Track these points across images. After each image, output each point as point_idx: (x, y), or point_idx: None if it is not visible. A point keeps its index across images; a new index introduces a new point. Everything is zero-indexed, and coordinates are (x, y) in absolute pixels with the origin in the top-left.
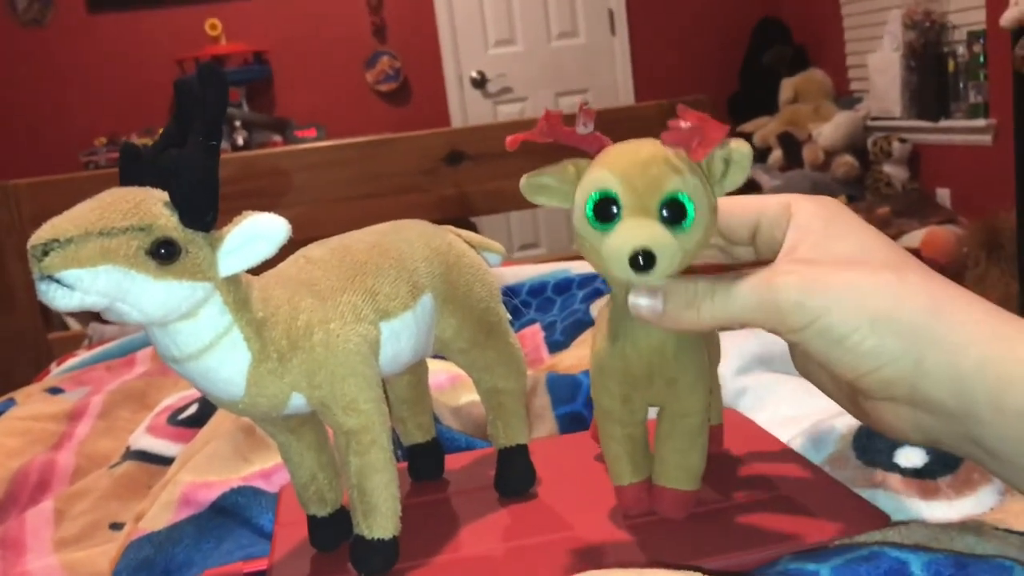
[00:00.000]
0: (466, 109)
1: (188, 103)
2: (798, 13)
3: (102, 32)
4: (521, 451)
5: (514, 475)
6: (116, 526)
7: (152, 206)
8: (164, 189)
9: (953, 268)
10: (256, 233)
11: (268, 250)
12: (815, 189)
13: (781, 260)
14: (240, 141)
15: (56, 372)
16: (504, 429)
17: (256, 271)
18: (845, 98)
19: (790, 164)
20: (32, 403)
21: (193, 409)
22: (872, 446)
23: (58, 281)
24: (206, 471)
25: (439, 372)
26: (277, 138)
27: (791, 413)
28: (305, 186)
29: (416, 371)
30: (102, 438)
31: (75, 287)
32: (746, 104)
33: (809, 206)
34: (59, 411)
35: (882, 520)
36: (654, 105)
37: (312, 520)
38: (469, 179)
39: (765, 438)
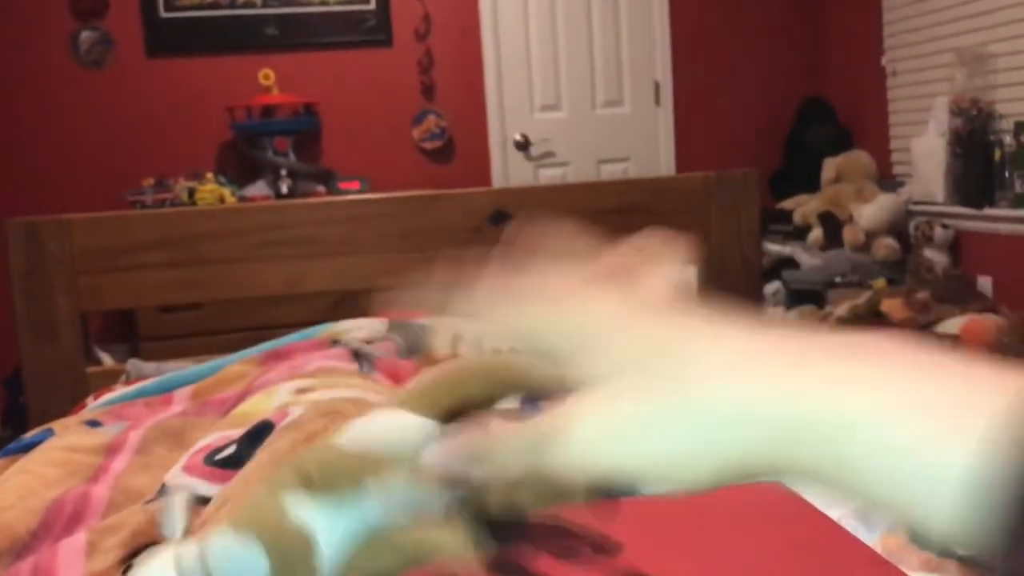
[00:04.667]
0: (508, 171)
1: None
2: (844, 94)
3: (158, 76)
4: None
5: None
6: None
7: None
8: None
9: (992, 359)
10: None
11: None
12: (855, 270)
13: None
14: (284, 189)
15: (94, 406)
16: None
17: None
18: (888, 181)
19: (830, 243)
20: (70, 434)
21: (231, 450)
22: None
23: None
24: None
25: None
26: (321, 188)
27: None
28: (348, 238)
29: None
30: (138, 474)
31: None
32: (788, 181)
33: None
34: (97, 444)
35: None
36: (701, 176)
37: None
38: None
39: (815, 516)
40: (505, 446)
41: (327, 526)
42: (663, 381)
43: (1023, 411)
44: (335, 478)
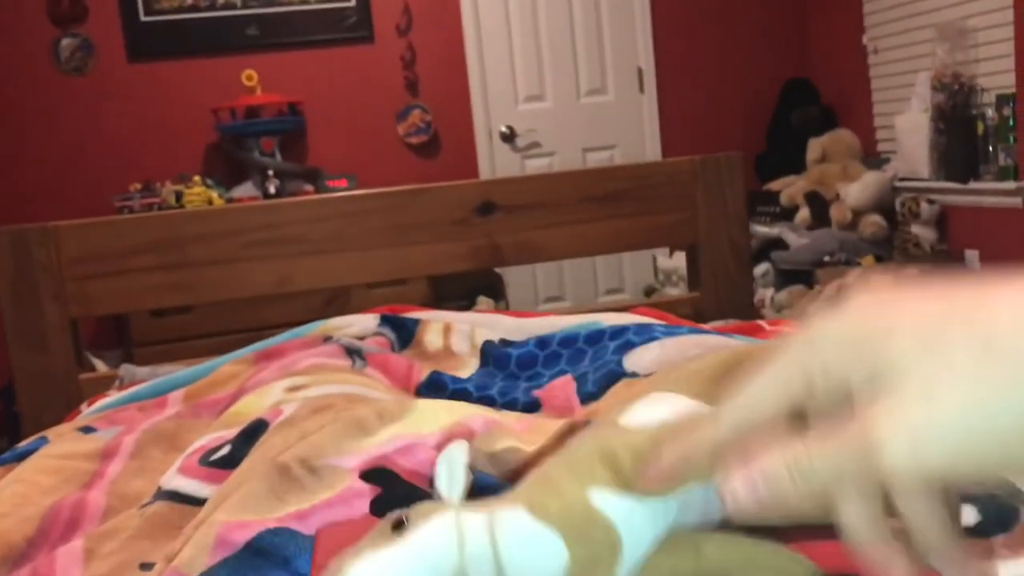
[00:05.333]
0: (494, 163)
1: None
2: (826, 74)
3: (141, 81)
4: None
5: None
6: (146, 566)
7: None
8: None
9: None
10: None
11: None
12: (843, 248)
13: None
14: (272, 189)
15: (88, 412)
16: None
17: None
18: (873, 159)
19: (817, 223)
20: (64, 441)
21: (226, 450)
22: None
23: None
24: (241, 510)
25: (474, 416)
26: (309, 187)
27: None
28: (336, 235)
29: None
30: (134, 478)
31: None
32: (773, 163)
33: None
34: (91, 450)
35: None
36: (686, 161)
37: None
38: (500, 230)
39: None
40: (816, 467)
41: (634, 525)
42: (977, 351)
43: None
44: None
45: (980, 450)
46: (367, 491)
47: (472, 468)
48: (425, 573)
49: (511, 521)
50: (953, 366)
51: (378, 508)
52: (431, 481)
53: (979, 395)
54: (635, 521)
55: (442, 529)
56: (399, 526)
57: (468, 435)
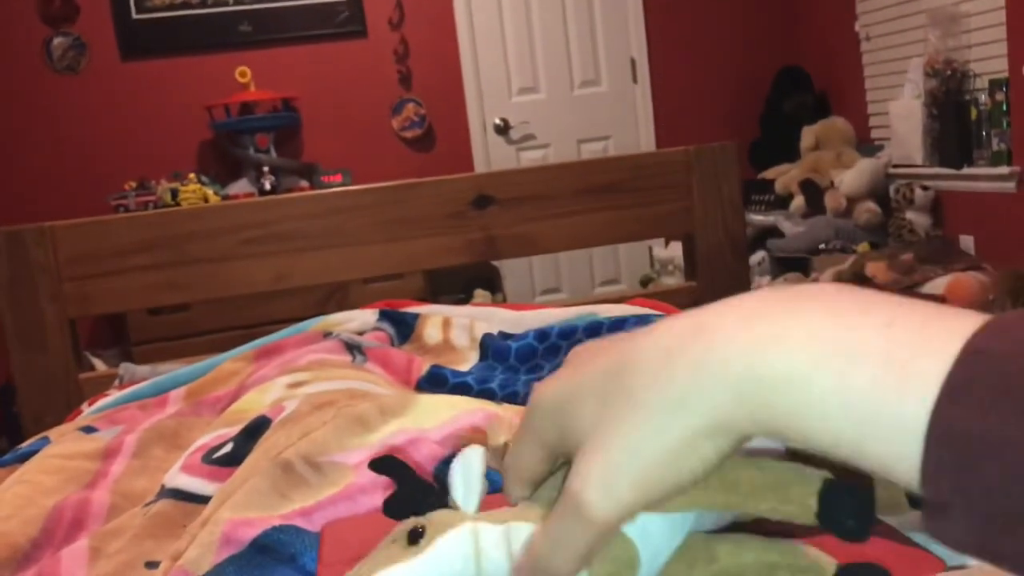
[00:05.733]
0: (489, 155)
1: None
2: (819, 61)
3: (134, 79)
4: None
5: None
6: (151, 564)
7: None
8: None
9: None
10: None
11: None
12: (838, 236)
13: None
14: (268, 186)
15: (88, 412)
16: None
17: None
18: (867, 145)
19: (812, 211)
20: (66, 442)
21: (228, 448)
22: None
23: None
24: (245, 508)
25: (476, 410)
26: (304, 183)
27: None
28: (333, 230)
29: None
30: (136, 477)
31: None
32: (767, 151)
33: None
34: (93, 449)
35: (938, 566)
36: (680, 151)
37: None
38: (496, 223)
39: None
40: (557, 541)
41: (651, 538)
42: (623, 401)
43: (976, 353)
44: None
45: (651, 477)
46: (371, 487)
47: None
48: None
49: (528, 536)
50: (614, 417)
51: (391, 510)
52: (435, 477)
53: (630, 437)
54: (652, 533)
55: (459, 543)
56: (415, 538)
57: (471, 431)
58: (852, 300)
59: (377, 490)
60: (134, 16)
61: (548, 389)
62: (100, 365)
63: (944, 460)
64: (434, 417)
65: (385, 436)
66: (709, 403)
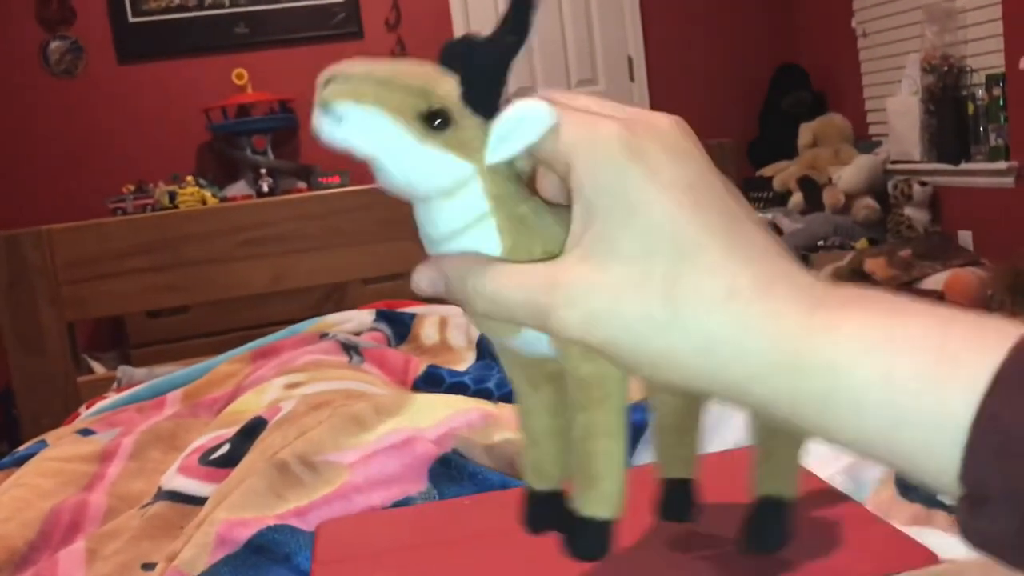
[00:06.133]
0: None
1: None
2: (816, 59)
3: (131, 82)
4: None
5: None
6: (148, 566)
7: (439, 79)
8: (459, 71)
9: (978, 311)
10: (520, 117)
11: (529, 137)
12: (836, 232)
13: (567, 252)
14: (265, 188)
15: (87, 414)
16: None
17: None
18: (864, 142)
19: (810, 207)
20: (63, 444)
21: (225, 449)
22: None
23: (332, 113)
24: (240, 508)
25: (472, 409)
26: (302, 184)
27: (828, 449)
28: (330, 231)
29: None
30: (134, 479)
31: (344, 120)
32: (765, 149)
33: (590, 165)
34: (90, 452)
35: (931, 559)
36: None
37: (525, 493)
38: None
39: (805, 475)
40: (508, 291)
41: None
42: (669, 284)
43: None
44: None
45: (628, 345)
46: (366, 486)
47: (463, 458)
48: None
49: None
50: (642, 270)
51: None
52: (430, 475)
53: (651, 305)
54: None
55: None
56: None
57: (465, 428)
58: (906, 304)
59: (372, 489)
60: (131, 19)
61: (610, 132)
62: (99, 368)
63: (988, 452)
64: (430, 416)
65: (381, 435)
66: (738, 361)
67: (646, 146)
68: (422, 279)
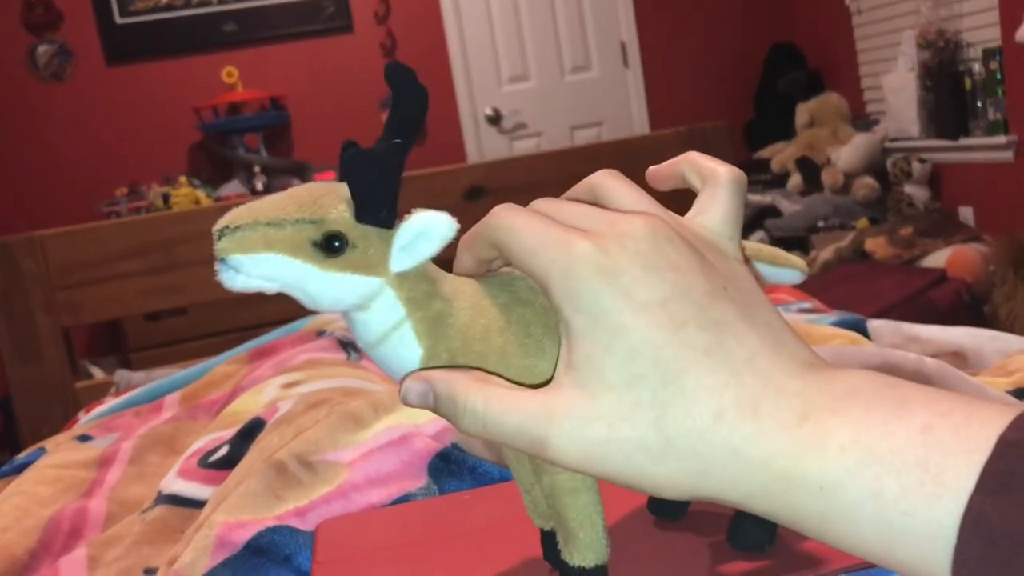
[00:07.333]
0: (482, 146)
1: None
2: (811, 37)
3: (120, 84)
4: None
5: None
6: (150, 571)
7: (330, 200)
8: (347, 183)
9: (980, 287)
10: (420, 231)
11: (431, 248)
12: (836, 213)
13: (559, 376)
14: (260, 186)
15: (85, 420)
16: None
17: None
18: (862, 120)
19: (809, 188)
20: (61, 451)
21: (224, 451)
22: None
23: (227, 264)
24: (239, 510)
25: None
26: (296, 181)
27: None
28: None
29: None
30: (133, 484)
31: (239, 270)
32: (762, 130)
33: (566, 289)
34: (89, 458)
35: None
36: (672, 133)
37: (540, 532)
38: None
39: None
40: (501, 416)
41: None
42: (659, 411)
43: (1010, 446)
44: None
45: (622, 478)
46: (365, 484)
47: (461, 451)
48: None
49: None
50: (642, 401)
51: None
52: (430, 471)
53: (645, 434)
54: None
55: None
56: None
57: None
58: (894, 400)
59: (371, 486)
60: (118, 20)
61: (583, 254)
62: (99, 373)
63: (975, 555)
64: (427, 412)
65: (378, 432)
66: (734, 483)
67: (620, 265)
68: (410, 393)
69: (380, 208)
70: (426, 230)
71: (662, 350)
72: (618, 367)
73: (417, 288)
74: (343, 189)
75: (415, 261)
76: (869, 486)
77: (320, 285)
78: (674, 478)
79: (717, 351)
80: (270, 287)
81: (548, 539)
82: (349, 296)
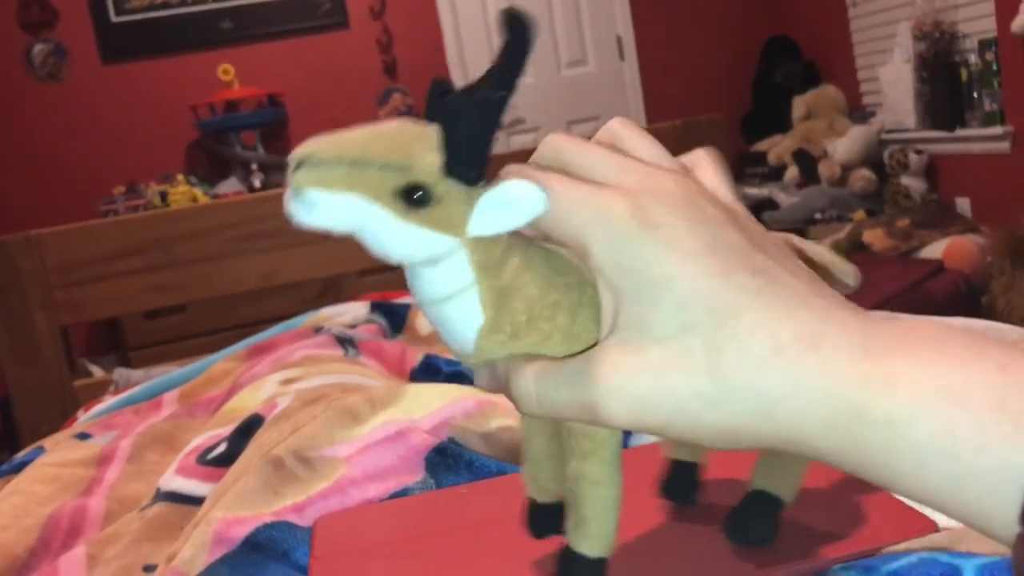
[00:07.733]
0: None
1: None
2: (806, 29)
3: (117, 82)
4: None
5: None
6: (149, 568)
7: (420, 148)
8: (442, 131)
9: (978, 277)
10: (505, 200)
11: (516, 222)
12: (833, 205)
13: (603, 339)
14: (257, 183)
15: (84, 418)
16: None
17: None
18: (858, 112)
19: (806, 181)
20: (60, 449)
21: (222, 448)
22: None
23: (302, 198)
24: (237, 506)
25: (467, 397)
26: None
27: None
28: None
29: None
30: (132, 481)
31: (314, 207)
32: (759, 123)
33: (607, 247)
34: (87, 456)
35: (930, 526)
36: (668, 126)
37: (529, 503)
38: None
39: None
40: (551, 391)
41: None
42: (713, 355)
43: None
44: None
45: (678, 432)
46: (362, 479)
47: (459, 446)
48: None
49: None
50: (693, 348)
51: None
52: (426, 465)
53: (698, 380)
54: None
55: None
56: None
57: (460, 416)
58: (965, 341)
59: (369, 481)
60: (113, 19)
61: (621, 210)
62: (98, 372)
63: None
64: (424, 406)
65: (375, 427)
66: (797, 419)
67: (659, 217)
68: (482, 378)
69: (473, 165)
70: (516, 201)
71: (713, 296)
72: (667, 319)
73: (491, 254)
74: (433, 135)
75: (495, 231)
76: (942, 422)
77: (395, 236)
78: (732, 423)
79: (770, 292)
80: (340, 229)
81: (540, 512)
82: (421, 252)
